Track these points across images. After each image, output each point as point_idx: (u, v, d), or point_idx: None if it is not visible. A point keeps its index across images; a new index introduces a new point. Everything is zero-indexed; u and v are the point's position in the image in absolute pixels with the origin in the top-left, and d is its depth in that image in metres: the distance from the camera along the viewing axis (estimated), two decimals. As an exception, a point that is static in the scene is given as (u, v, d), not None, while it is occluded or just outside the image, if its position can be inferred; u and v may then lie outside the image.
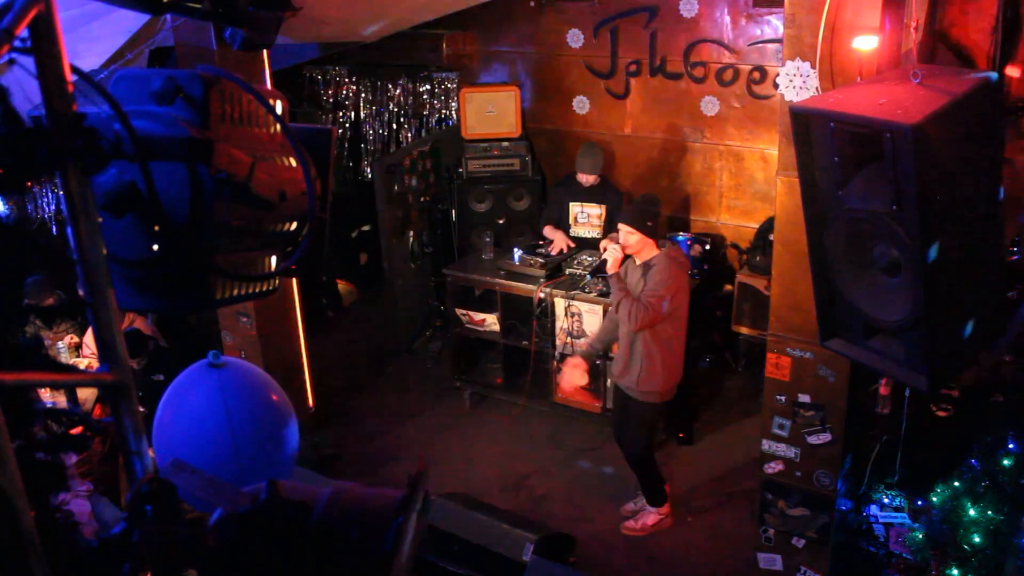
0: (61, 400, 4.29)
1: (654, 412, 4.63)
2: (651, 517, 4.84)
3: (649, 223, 4.35)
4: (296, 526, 1.17)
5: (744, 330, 6.01)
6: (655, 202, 4.56)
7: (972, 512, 3.29)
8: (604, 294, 5.31)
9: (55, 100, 1.11)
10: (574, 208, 5.97)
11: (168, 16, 4.08)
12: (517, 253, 5.74)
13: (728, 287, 6.14)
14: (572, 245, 5.84)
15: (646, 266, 4.40)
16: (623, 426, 4.73)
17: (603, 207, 5.90)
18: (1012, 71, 2.87)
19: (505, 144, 6.50)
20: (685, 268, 4.43)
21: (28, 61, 1.08)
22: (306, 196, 1.54)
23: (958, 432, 4.11)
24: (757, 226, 6.08)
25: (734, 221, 6.32)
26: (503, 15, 6.60)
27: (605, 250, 4.52)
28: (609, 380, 5.43)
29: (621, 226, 4.40)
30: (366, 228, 7.28)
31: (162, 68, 3.07)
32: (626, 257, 4.51)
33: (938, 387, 2.66)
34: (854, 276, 2.49)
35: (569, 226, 5.98)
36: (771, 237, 3.85)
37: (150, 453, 1.34)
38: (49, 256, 1.18)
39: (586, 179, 5.79)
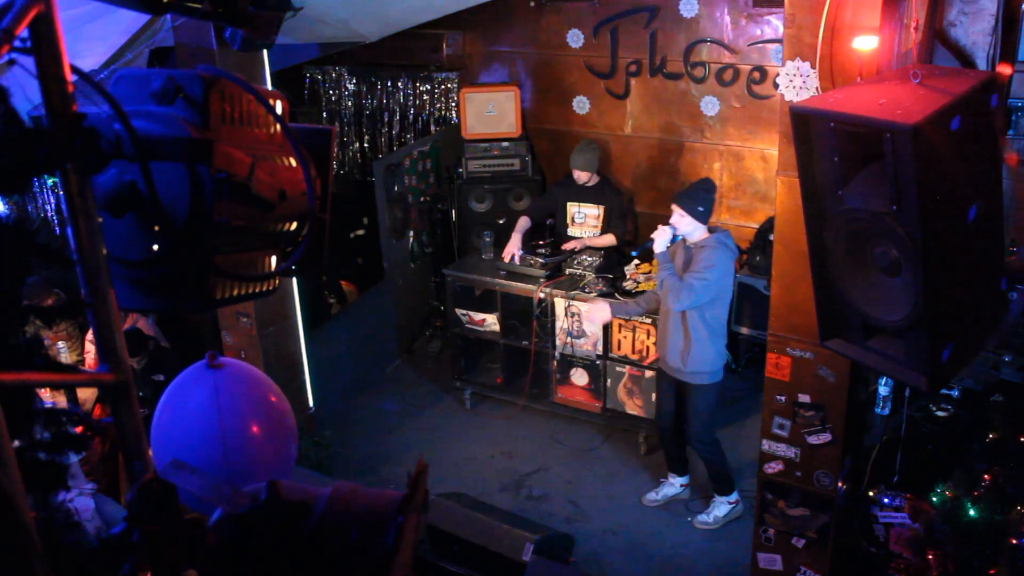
0: (61, 400, 4.29)
1: (712, 393, 4.66)
2: (723, 508, 4.85)
3: (700, 208, 4.42)
4: (296, 526, 1.17)
5: (744, 330, 6.02)
6: (709, 188, 4.57)
7: (972, 512, 3.29)
8: (604, 294, 5.31)
9: (55, 100, 1.11)
10: (571, 208, 5.96)
11: (168, 16, 4.08)
12: (517, 253, 5.74)
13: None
14: (518, 255, 5.66)
15: (696, 247, 4.47)
16: (685, 414, 4.75)
17: (602, 207, 5.89)
18: (1004, 69, 2.87)
19: (505, 144, 6.50)
20: (733, 253, 4.50)
21: (28, 61, 1.08)
22: (306, 196, 1.54)
23: (958, 432, 4.11)
24: (757, 226, 6.08)
25: (734, 221, 6.32)
26: (503, 15, 6.60)
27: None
28: (612, 387, 5.44)
29: (673, 207, 4.50)
30: (361, 232, 7.29)
31: (162, 68, 3.07)
32: (674, 239, 4.60)
33: (938, 387, 2.65)
34: (854, 276, 2.48)
35: (567, 226, 5.98)
36: (771, 237, 3.85)
37: (149, 453, 1.34)
38: (49, 256, 1.18)
39: (580, 176, 5.78)
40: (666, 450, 5.05)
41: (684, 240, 4.56)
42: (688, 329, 4.52)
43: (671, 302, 4.45)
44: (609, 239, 5.81)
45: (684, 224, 4.46)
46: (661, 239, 4.50)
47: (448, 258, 6.62)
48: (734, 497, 4.86)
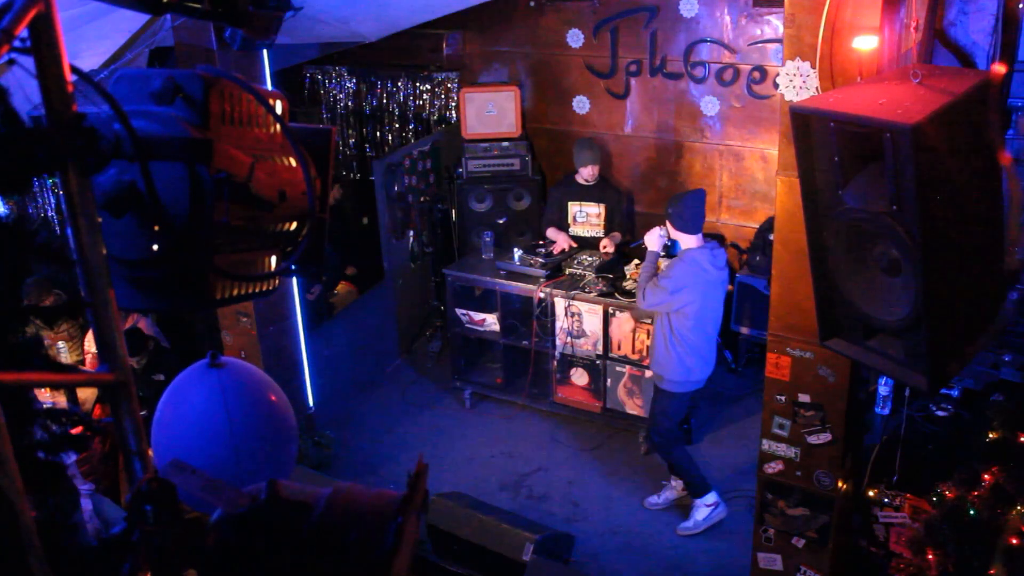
0: (61, 400, 4.29)
1: (665, 400, 4.71)
2: (701, 511, 4.82)
3: (670, 210, 4.53)
4: (296, 526, 1.17)
5: (744, 330, 6.02)
6: (693, 193, 4.62)
7: (972, 512, 3.29)
8: (605, 294, 5.31)
9: (55, 100, 1.11)
10: (572, 208, 5.96)
11: (168, 16, 4.08)
12: (517, 253, 5.74)
13: (728, 287, 6.14)
14: (574, 245, 5.85)
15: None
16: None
17: (602, 206, 5.89)
18: (999, 68, 2.87)
19: (505, 144, 6.50)
20: (704, 272, 4.46)
21: (28, 61, 1.08)
22: (306, 196, 1.54)
23: (958, 432, 4.11)
24: (757, 226, 6.08)
25: (734, 221, 6.32)
26: (503, 15, 6.60)
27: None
28: (612, 387, 5.44)
29: None
30: (365, 221, 7.31)
31: (162, 68, 3.07)
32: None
33: (938, 387, 2.65)
34: (854, 276, 2.48)
35: (568, 226, 5.98)
36: (771, 237, 3.85)
37: (150, 453, 1.34)
38: (49, 256, 1.18)
39: (588, 172, 5.77)
40: None
41: None
42: (654, 329, 4.71)
43: (636, 297, 4.63)
44: (618, 237, 5.83)
45: (670, 229, 4.57)
46: (650, 237, 4.65)
47: (448, 258, 6.62)
48: (711, 499, 4.79)
